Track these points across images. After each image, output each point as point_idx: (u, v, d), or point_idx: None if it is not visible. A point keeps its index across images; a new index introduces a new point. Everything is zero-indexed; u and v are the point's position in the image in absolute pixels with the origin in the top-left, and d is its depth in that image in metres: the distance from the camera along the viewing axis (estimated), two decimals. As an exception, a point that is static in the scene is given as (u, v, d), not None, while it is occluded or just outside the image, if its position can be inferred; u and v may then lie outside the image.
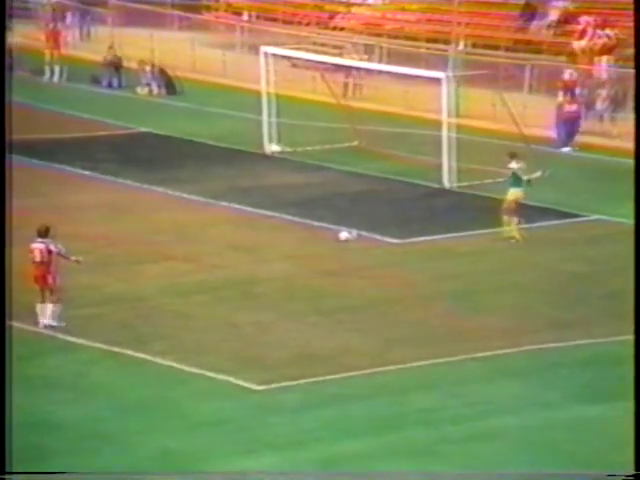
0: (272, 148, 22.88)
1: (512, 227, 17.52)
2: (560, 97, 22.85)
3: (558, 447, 11.88)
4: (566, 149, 21.99)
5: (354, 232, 18.03)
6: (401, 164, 21.44)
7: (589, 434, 12.15)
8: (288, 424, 12.48)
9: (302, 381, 13.44)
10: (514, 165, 17.84)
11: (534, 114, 22.77)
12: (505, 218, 17.60)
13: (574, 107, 22.67)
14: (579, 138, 23.07)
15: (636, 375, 10.30)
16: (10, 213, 14.72)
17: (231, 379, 13.44)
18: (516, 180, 17.66)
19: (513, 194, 17.60)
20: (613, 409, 12.59)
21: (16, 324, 14.19)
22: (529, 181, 17.75)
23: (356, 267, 17.02)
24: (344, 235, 17.99)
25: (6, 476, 10.23)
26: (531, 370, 13.63)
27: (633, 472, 9.79)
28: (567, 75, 23.40)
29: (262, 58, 23.02)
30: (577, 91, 23.09)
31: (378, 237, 18.20)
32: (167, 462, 11.72)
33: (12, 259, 15.05)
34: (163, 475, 11.28)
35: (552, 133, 22.85)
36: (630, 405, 12.47)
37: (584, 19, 25.58)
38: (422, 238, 18.11)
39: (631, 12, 25.56)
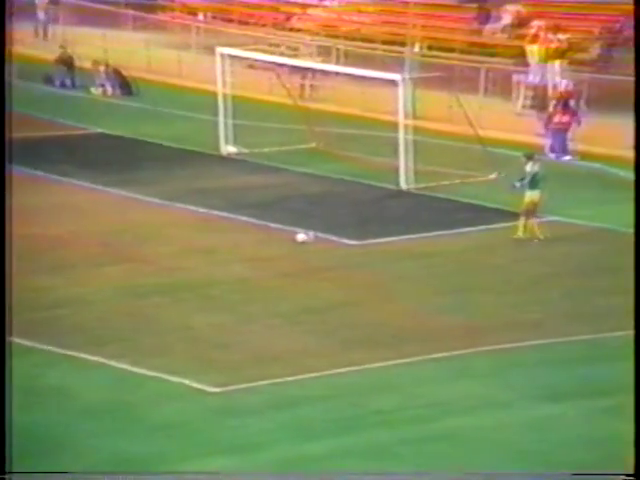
0: (229, 150, 22.77)
1: (531, 227, 17.49)
2: (551, 108, 22.56)
3: (517, 447, 11.94)
4: (567, 157, 21.78)
5: (311, 234, 18.00)
6: (358, 166, 21.47)
7: (548, 433, 12.22)
8: (246, 426, 12.41)
9: (260, 383, 13.37)
10: (530, 168, 17.78)
11: (489, 116, 22.91)
12: (522, 220, 17.57)
13: (565, 118, 22.36)
14: (534, 140, 23.27)
15: (636, 375, 10.37)
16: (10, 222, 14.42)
17: (188, 382, 13.33)
18: (533, 182, 17.58)
19: (530, 196, 17.57)
20: (572, 408, 12.69)
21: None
22: (514, 186, 17.85)
23: (314, 269, 16.99)
24: (301, 237, 17.95)
25: (6, 476, 10.02)
26: (490, 370, 13.68)
27: (633, 472, 9.85)
28: (563, 85, 23.17)
29: (218, 59, 22.90)
30: (571, 102, 22.74)
31: (336, 239, 18.18)
32: (122, 466, 11.59)
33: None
34: (163, 475, 11.12)
35: (509, 137, 22.93)
36: (588, 404, 12.58)
37: (536, 23, 25.83)
38: (380, 240, 18.14)
39: (582, 16, 25.89)
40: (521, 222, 17.68)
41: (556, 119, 22.40)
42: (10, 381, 12.46)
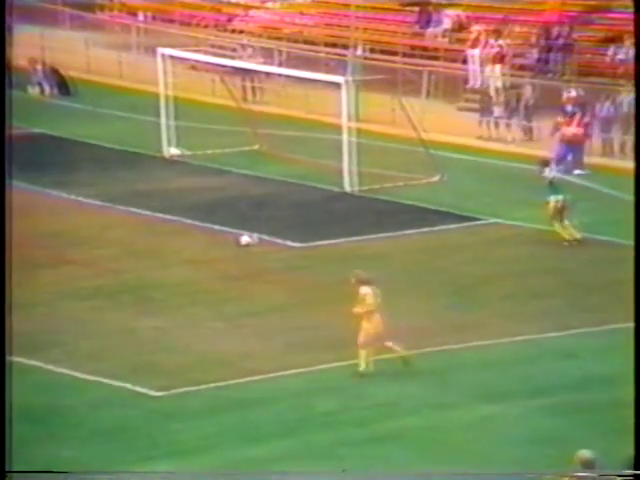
0: (171, 151, 22.58)
1: (565, 229, 17.39)
2: (560, 118, 21.55)
3: (458, 446, 11.99)
4: (577, 172, 20.77)
5: (255, 236, 17.90)
6: (302, 168, 21.43)
7: (488, 433, 12.30)
8: (189, 430, 12.30)
9: (203, 386, 13.25)
10: (548, 173, 17.68)
11: (432, 119, 23.05)
12: (556, 225, 17.46)
13: (580, 129, 21.31)
14: (476, 143, 23.47)
15: (636, 374, 10.45)
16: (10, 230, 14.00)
17: (129, 385, 13.15)
18: (554, 187, 17.48)
19: (553, 201, 17.44)
20: (511, 408, 12.79)
21: None
22: None
23: (258, 271, 16.90)
24: (245, 239, 17.84)
25: (6, 476, 9.79)
26: (432, 371, 13.73)
27: (633, 472, 9.92)
28: (573, 93, 21.89)
29: (159, 60, 22.69)
30: (576, 110, 21.41)
31: (280, 241, 18.11)
32: (63, 469, 11.37)
33: None
34: (163, 474, 10.94)
35: (451, 139, 23.04)
36: (528, 403, 12.70)
37: (476, 28, 26.07)
38: (324, 242, 18.11)
39: (522, 20, 26.18)
40: (556, 226, 17.38)
41: (570, 130, 21.21)
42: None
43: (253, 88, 26.14)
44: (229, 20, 29.99)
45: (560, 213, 17.50)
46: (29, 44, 27.58)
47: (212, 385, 13.26)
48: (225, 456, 11.79)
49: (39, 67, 26.75)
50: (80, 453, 11.75)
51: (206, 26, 29.79)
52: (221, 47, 27.84)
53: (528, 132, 23.59)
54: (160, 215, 19.21)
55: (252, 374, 13.54)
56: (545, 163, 18.04)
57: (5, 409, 10.26)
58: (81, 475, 10.77)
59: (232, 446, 12.01)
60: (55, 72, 26.74)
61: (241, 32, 29.09)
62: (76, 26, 29.67)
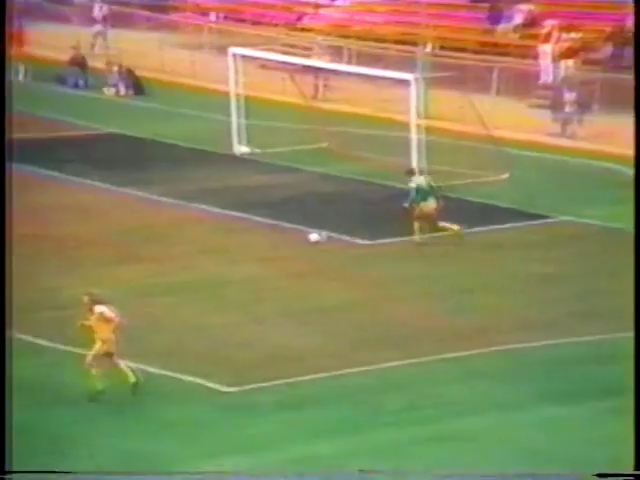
0: (241, 149, 22.82)
1: (441, 229, 17.51)
2: None
3: (525, 447, 11.96)
4: None
5: (324, 234, 18.03)
6: (370, 166, 21.48)
7: (558, 434, 12.24)
8: (257, 425, 12.43)
9: (272, 383, 13.40)
10: (414, 181, 17.84)
11: (502, 116, 22.89)
12: (416, 224, 17.59)
13: None
14: (547, 140, 23.25)
15: (636, 375, 10.38)
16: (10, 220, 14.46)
17: (201, 381, 13.37)
18: (422, 194, 17.64)
19: (423, 207, 17.63)
20: (582, 409, 12.69)
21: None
22: None
23: (326, 269, 17.02)
24: (314, 237, 17.99)
25: (6, 476, 10.00)
26: (500, 370, 13.70)
27: (633, 472, 9.85)
28: None
29: (230, 59, 22.95)
30: None
31: (348, 238, 18.21)
32: (136, 464, 11.66)
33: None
34: (163, 475, 11.14)
35: (521, 136, 22.87)
36: (596, 405, 12.58)
37: (549, 22, 25.77)
38: (392, 239, 18.15)
39: (595, 15, 25.81)
40: (416, 226, 17.51)
41: None
42: (13, 381, 12.59)
43: (323, 86, 26.27)
44: (299, 19, 30.17)
45: (430, 218, 17.46)
46: (103, 46, 28.13)
47: (280, 381, 13.40)
48: (291, 452, 11.93)
49: (115, 69, 27.30)
50: (151, 446, 12.01)
51: (276, 25, 30.02)
52: (291, 46, 28.03)
53: (600, 128, 23.26)
54: (230, 212, 19.44)
55: (319, 371, 13.65)
56: (411, 173, 18.10)
57: (5, 409, 10.42)
58: (81, 475, 10.90)
59: (298, 443, 12.14)
60: (130, 73, 27.27)
61: (311, 30, 29.25)
62: (152, 27, 30.16)
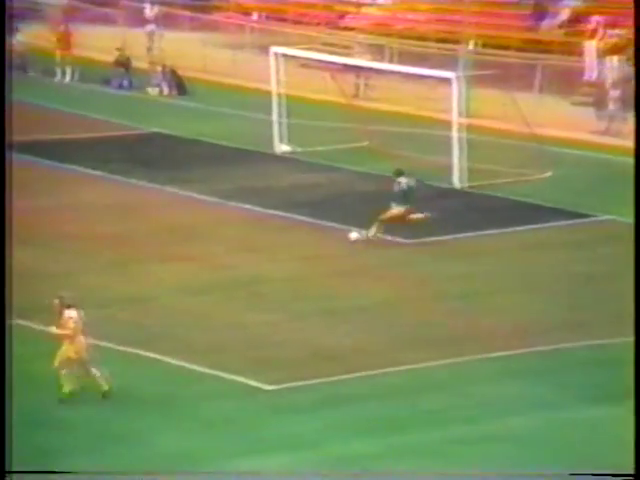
0: (282, 148, 22.88)
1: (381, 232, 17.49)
2: None
3: (567, 448, 11.85)
4: None
5: (364, 232, 18.01)
6: (411, 164, 21.36)
7: (599, 435, 12.12)
8: (298, 424, 12.46)
9: (312, 381, 13.42)
10: (403, 183, 17.79)
11: (545, 114, 22.69)
12: (377, 223, 17.51)
13: None
14: (590, 138, 23.00)
15: (636, 376, 10.28)
16: (10, 213, 14.68)
17: (241, 379, 13.42)
18: (404, 197, 17.55)
19: (394, 210, 17.57)
20: (623, 410, 12.55)
21: (24, 323, 14.23)
22: None
23: (366, 267, 17.01)
24: (354, 235, 17.98)
25: (6, 476, 10.11)
26: (541, 371, 13.59)
27: (633, 472, 9.73)
28: None
29: (272, 58, 23.01)
30: None
31: (388, 237, 18.18)
32: (177, 462, 11.74)
33: (17, 259, 15.09)
34: (163, 475, 11.20)
35: (565, 134, 22.65)
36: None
37: (595, 19, 25.47)
38: (432, 238, 18.08)
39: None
40: (375, 225, 17.34)
41: None
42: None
43: (364, 85, 26.24)
44: (340, 18, 30.17)
45: (397, 221, 17.33)
46: (155, 47, 28.32)
47: (320, 380, 13.42)
48: (332, 452, 11.93)
49: (159, 69, 27.53)
50: (193, 444, 12.07)
51: (318, 24, 30.04)
52: (332, 45, 28.02)
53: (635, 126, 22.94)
54: (270, 211, 19.49)
55: (360, 370, 13.64)
56: (399, 173, 17.85)
57: (5, 410, 10.48)
58: (81, 475, 10.91)
59: (337, 442, 12.14)
60: (173, 73, 27.48)
61: (352, 29, 29.22)
62: (194, 27, 30.36)
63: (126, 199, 20.22)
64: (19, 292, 14.46)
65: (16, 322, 13.88)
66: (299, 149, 22.69)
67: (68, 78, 28.17)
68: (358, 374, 13.57)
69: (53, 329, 12.75)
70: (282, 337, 14.64)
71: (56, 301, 12.91)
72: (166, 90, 27.49)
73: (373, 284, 16.30)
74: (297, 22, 30.22)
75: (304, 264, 17.13)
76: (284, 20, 30.50)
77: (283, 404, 12.92)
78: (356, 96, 25.47)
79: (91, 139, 23.67)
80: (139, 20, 29.80)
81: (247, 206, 19.77)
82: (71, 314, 12.71)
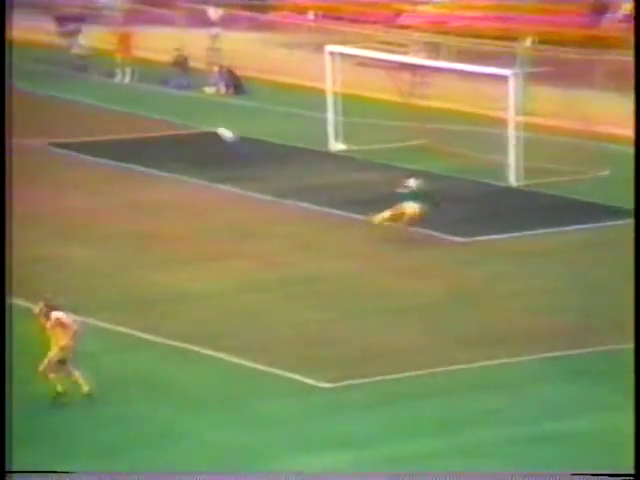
0: (338, 147, 22.94)
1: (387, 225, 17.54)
2: None
3: (625, 450, 11.71)
4: None
5: (420, 231, 17.94)
6: (467, 162, 21.30)
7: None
8: (354, 422, 12.45)
9: (368, 380, 13.42)
10: (412, 183, 17.86)
11: (603, 111, 22.40)
12: (387, 213, 17.55)
13: None
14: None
15: (636, 377, 10.11)
16: (10, 206, 14.78)
17: (297, 377, 13.48)
18: (414, 195, 17.61)
19: (405, 207, 17.65)
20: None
21: (93, 321, 14.46)
22: None
23: (422, 265, 16.96)
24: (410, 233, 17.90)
25: (6, 476, 10.05)
26: (598, 371, 13.45)
27: (633, 472, 9.57)
28: None
29: (328, 57, 23.07)
30: None
31: (444, 236, 18.12)
32: (234, 459, 11.84)
33: (79, 257, 15.31)
34: (163, 474, 11.16)
35: (625, 132, 22.35)
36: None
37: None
38: (488, 237, 17.99)
39: None
40: (386, 214, 17.42)
41: None
42: (126, 372, 12.85)
43: (420, 83, 26.15)
44: (397, 16, 30.12)
45: (407, 220, 17.36)
46: (206, 47, 28.55)
47: (376, 379, 13.42)
48: (388, 451, 11.91)
49: (216, 68, 27.79)
50: (251, 442, 12.12)
51: (374, 23, 30.04)
52: (388, 43, 28.00)
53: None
54: (326, 209, 19.54)
55: (416, 368, 13.62)
56: (410, 175, 17.86)
57: (5, 410, 10.51)
58: (81, 475, 10.86)
59: (395, 441, 12.13)
60: (231, 72, 27.70)
61: (408, 28, 29.16)
62: (251, 27, 30.55)
63: (184, 198, 20.43)
64: (82, 290, 14.70)
65: (89, 320, 14.03)
66: (354, 147, 22.71)
67: (128, 79, 28.56)
68: (416, 373, 13.54)
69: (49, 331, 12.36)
70: (338, 335, 14.67)
71: (40, 304, 12.59)
72: (223, 89, 27.70)
73: (429, 282, 16.25)
74: (353, 21, 30.24)
75: (360, 262, 17.14)
76: (340, 19, 30.54)
77: (339, 402, 12.92)
78: (412, 94, 25.41)
79: (149, 139, 23.95)
80: (198, 21, 30.07)
81: (303, 204, 19.85)
82: (58, 315, 12.50)
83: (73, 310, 13.06)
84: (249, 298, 15.92)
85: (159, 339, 14.32)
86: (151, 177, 21.56)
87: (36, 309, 12.59)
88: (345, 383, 13.34)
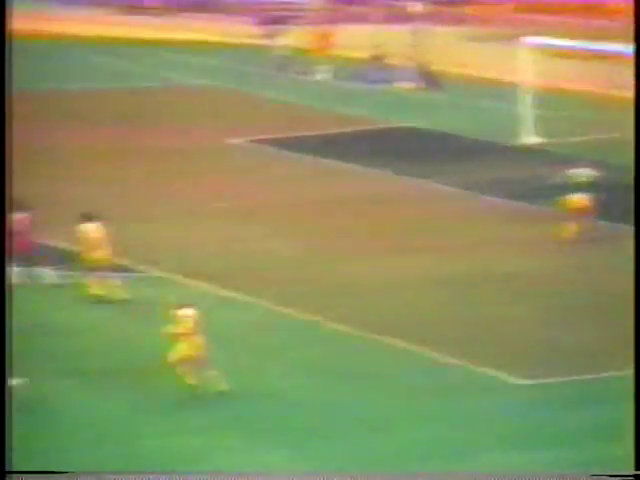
0: (532, 140, 22.61)
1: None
2: None
3: None
4: None
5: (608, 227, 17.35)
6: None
7: None
8: (555, 421, 12.09)
9: (566, 378, 13.07)
10: (579, 174, 17.17)
11: None
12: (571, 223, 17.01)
13: None
14: None
15: (636, 379, 9.48)
16: (10, 197, 14.47)
17: (492, 372, 13.25)
18: (580, 187, 16.96)
19: (577, 199, 17.07)
20: None
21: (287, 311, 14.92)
22: None
23: (607, 263, 16.42)
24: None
25: (6, 476, 9.92)
26: None
27: (633, 472, 8.86)
28: None
29: (523, 49, 22.76)
30: None
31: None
32: (437, 452, 11.58)
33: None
34: (163, 474, 10.84)
35: None
36: None
37: None
38: None
39: None
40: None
41: None
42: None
43: (618, 73, 25.28)
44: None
45: (585, 210, 16.50)
46: (401, 42, 28.57)
47: (573, 378, 13.02)
48: (589, 451, 11.53)
49: (410, 64, 27.94)
50: (450, 436, 11.84)
51: (574, 11, 29.23)
52: (585, 33, 27.22)
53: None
54: (522, 204, 19.15)
55: (617, 369, 13.03)
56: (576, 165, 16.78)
57: (5, 410, 10.29)
58: (81, 475, 10.65)
59: (595, 441, 11.68)
60: (424, 67, 27.79)
61: (616, 13, 28.20)
62: (444, 22, 30.44)
63: (380, 191, 20.66)
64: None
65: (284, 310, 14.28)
66: (548, 140, 22.30)
67: (327, 76, 29.16)
68: (608, 374, 13.16)
69: (169, 328, 12.44)
70: (533, 332, 14.31)
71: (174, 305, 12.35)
72: (417, 84, 27.84)
73: (612, 281, 15.69)
74: (553, 12, 29.54)
75: (555, 258, 16.78)
76: (537, 11, 29.94)
77: (538, 400, 12.62)
78: (617, 86, 24.57)
79: (346, 134, 24.32)
80: (394, 17, 30.24)
81: (496, 199, 19.61)
82: (187, 313, 12.52)
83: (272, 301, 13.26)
84: (443, 292, 15.66)
85: (355, 330, 14.52)
86: (349, 171, 21.81)
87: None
88: (543, 381, 13.00)
